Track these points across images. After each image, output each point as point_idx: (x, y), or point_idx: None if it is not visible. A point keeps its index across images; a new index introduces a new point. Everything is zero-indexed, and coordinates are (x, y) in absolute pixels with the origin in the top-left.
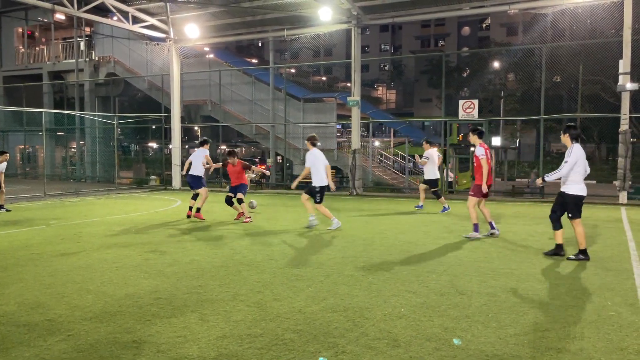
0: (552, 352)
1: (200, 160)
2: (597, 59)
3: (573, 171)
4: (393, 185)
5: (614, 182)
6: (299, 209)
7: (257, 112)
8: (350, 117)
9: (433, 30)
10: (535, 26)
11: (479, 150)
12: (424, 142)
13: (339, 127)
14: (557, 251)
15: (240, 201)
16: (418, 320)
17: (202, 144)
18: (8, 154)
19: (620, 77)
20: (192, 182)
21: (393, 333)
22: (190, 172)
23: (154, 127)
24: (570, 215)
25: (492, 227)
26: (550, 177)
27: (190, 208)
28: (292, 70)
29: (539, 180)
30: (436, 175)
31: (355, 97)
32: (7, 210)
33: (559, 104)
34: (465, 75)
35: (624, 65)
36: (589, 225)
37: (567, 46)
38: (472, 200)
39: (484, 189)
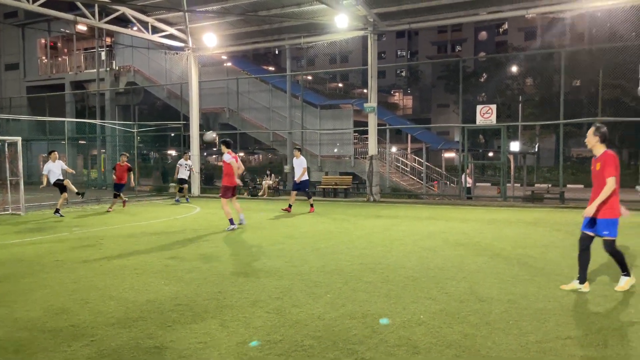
0: None
1: (301, 167)
2: (617, 63)
3: None
4: (410, 192)
5: (636, 186)
6: (317, 215)
7: (275, 120)
8: (367, 123)
9: (450, 36)
10: (554, 30)
11: (226, 157)
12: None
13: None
14: None
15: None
16: (438, 327)
17: (296, 150)
18: (56, 152)
19: None
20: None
21: (412, 340)
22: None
23: (172, 134)
24: None
25: (241, 219)
26: None
27: (290, 206)
28: (309, 78)
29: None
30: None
31: (372, 103)
32: (61, 216)
33: (579, 109)
34: (482, 80)
35: None
36: None
37: (587, 50)
38: (223, 200)
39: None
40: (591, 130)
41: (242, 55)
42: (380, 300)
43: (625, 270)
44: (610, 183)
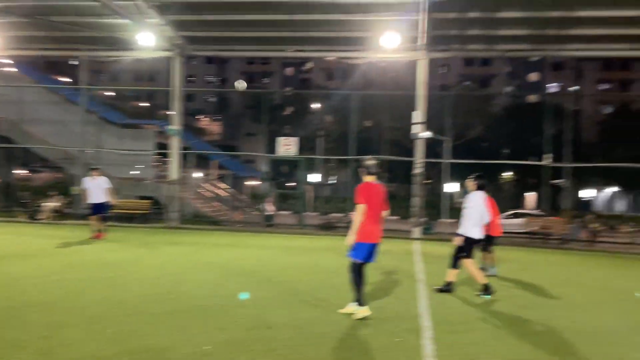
0: None
1: (102, 188)
2: (399, 108)
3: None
4: (213, 218)
5: (411, 219)
6: (107, 242)
7: (65, 135)
8: (170, 145)
9: (258, 68)
10: (350, 73)
11: None
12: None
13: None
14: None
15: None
16: (224, 358)
17: (94, 170)
18: None
19: (415, 127)
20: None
21: None
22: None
23: None
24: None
25: None
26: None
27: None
28: (113, 94)
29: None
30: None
31: (176, 126)
32: None
33: (370, 146)
34: (288, 113)
35: (418, 116)
36: (386, 258)
37: (374, 95)
38: None
39: None
40: (362, 164)
41: (31, 61)
42: (165, 332)
43: (357, 300)
44: (357, 210)
